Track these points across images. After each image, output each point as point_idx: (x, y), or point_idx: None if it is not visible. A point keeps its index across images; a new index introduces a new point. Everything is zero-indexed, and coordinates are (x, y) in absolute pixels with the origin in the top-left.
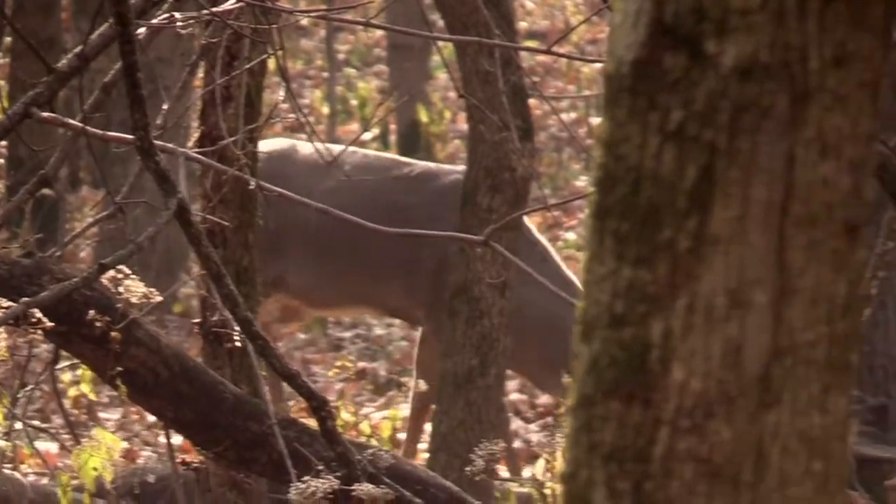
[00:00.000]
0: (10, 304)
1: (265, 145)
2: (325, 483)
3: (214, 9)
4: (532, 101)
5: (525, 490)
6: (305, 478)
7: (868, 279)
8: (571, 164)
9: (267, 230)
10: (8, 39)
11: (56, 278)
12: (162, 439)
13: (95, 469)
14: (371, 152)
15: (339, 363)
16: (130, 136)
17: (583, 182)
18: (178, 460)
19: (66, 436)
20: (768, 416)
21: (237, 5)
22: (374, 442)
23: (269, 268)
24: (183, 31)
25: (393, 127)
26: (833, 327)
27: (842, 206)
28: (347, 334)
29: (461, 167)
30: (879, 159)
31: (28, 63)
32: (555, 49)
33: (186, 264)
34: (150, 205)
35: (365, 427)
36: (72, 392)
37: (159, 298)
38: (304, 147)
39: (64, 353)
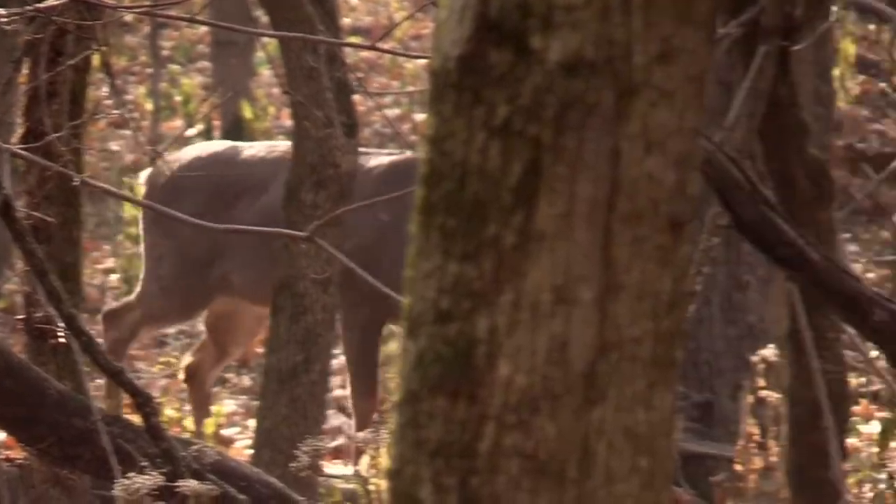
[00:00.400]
0: None
1: (204, 148)
2: (149, 479)
3: (39, 5)
4: (356, 98)
5: (350, 486)
6: (130, 474)
7: (692, 275)
8: None
9: (206, 232)
10: None
11: None
12: None
13: None
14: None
15: (162, 359)
16: None
17: None
18: (2, 457)
19: None
20: (594, 412)
21: (62, 1)
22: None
23: (212, 269)
24: (7, 27)
25: (217, 123)
26: (658, 323)
27: (667, 202)
28: (171, 330)
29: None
30: (704, 154)
31: None
32: (379, 45)
33: (11, 260)
34: None
35: (189, 423)
36: None
37: None
38: (245, 147)
39: None
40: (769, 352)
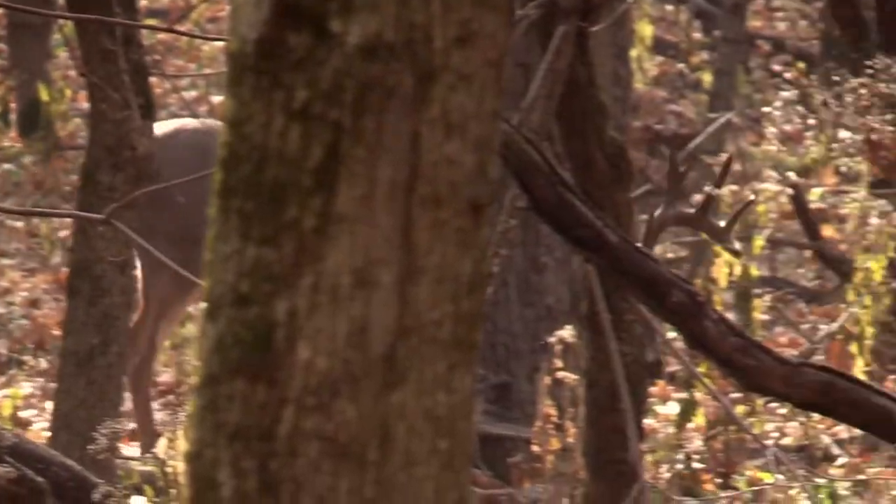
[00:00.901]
0: None
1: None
2: None
3: None
4: (153, 80)
5: (148, 469)
6: None
7: (490, 257)
8: None
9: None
10: None
11: None
12: None
13: None
14: None
15: None
16: None
17: None
18: None
19: None
20: (394, 395)
21: None
22: None
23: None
24: None
25: (14, 106)
26: (458, 306)
27: (467, 185)
28: None
29: None
30: (503, 137)
31: None
32: (176, 27)
33: None
34: None
35: None
36: None
37: None
38: (189, 127)
39: None
40: (566, 333)
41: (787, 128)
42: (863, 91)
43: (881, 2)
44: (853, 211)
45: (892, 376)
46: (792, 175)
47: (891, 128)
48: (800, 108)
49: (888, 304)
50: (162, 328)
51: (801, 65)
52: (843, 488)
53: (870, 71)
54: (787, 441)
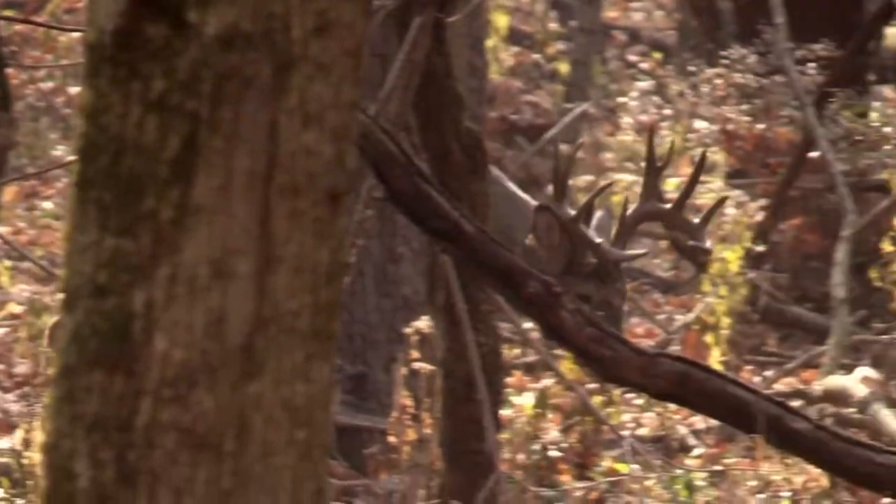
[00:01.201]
0: None
1: None
2: None
3: None
4: (10, 71)
5: (3, 460)
6: None
7: (348, 247)
8: (49, 134)
9: None
10: None
11: None
12: None
13: None
14: None
15: None
16: None
17: (61, 151)
18: None
19: None
20: (251, 385)
21: None
22: None
23: None
24: None
25: None
26: (316, 296)
27: (325, 175)
28: None
29: None
30: (360, 128)
31: None
32: (32, 18)
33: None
34: None
35: None
36: None
37: None
38: None
39: None
40: (423, 324)
41: (643, 118)
42: (718, 81)
43: None
44: (709, 201)
45: (749, 367)
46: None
47: (746, 118)
48: (656, 99)
49: (744, 294)
50: None
51: (657, 55)
52: (699, 479)
53: (725, 61)
54: (643, 431)
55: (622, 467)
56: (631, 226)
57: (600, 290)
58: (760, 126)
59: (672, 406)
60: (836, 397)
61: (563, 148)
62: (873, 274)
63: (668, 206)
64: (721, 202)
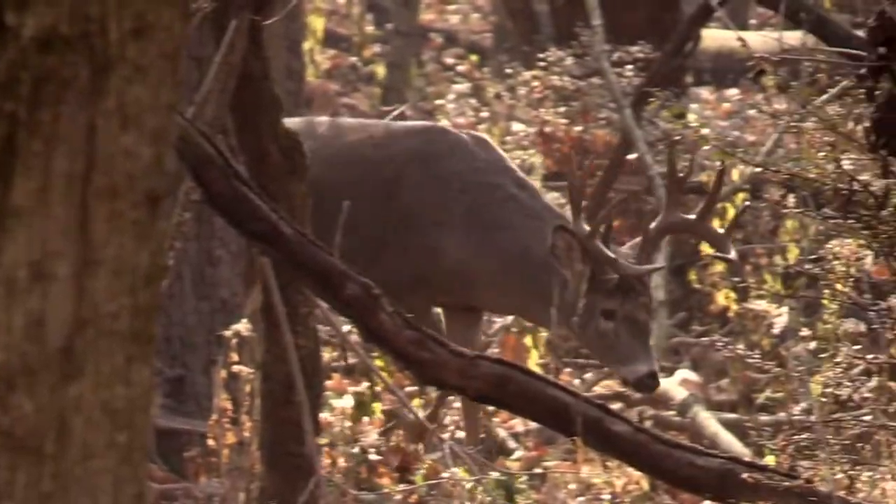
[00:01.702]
0: None
1: None
2: None
3: None
4: None
5: None
6: None
7: (167, 250)
8: None
9: None
10: None
11: None
12: None
13: None
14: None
15: None
16: None
17: None
18: None
19: None
20: (71, 388)
21: None
22: None
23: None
24: None
25: None
26: (136, 298)
27: (143, 177)
28: None
29: (434, 124)
30: (178, 130)
31: None
32: None
33: None
34: None
35: None
36: None
37: None
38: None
39: None
40: (242, 326)
41: (461, 120)
42: (535, 84)
43: None
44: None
45: (568, 369)
46: None
47: (564, 120)
48: (473, 101)
49: None
50: None
51: (474, 57)
52: (519, 481)
53: (542, 64)
54: (463, 434)
55: (442, 470)
56: (655, 238)
57: (624, 306)
58: (578, 128)
59: (492, 408)
60: (656, 400)
61: (579, 167)
62: (692, 276)
63: (693, 216)
64: (743, 211)
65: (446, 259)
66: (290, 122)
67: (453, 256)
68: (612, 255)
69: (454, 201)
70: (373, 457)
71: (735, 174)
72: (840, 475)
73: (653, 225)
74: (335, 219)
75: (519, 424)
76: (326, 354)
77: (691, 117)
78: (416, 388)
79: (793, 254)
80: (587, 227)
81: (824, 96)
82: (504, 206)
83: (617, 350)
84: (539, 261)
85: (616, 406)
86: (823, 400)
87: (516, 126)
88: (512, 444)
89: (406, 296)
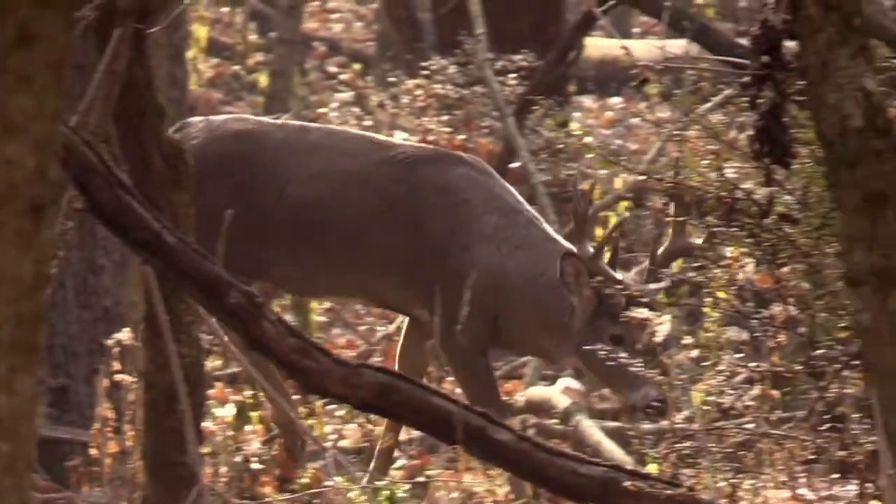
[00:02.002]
0: None
1: (223, 122)
2: None
3: None
4: None
5: None
6: None
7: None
8: None
9: (253, 217)
10: None
11: None
12: None
13: None
14: (337, 128)
15: None
16: None
17: None
18: None
19: None
20: None
21: None
22: None
23: (253, 256)
24: None
25: None
26: (19, 308)
27: (27, 187)
28: None
29: (444, 150)
30: (62, 139)
31: None
32: None
33: None
34: None
35: None
36: None
37: None
38: (273, 125)
39: None
40: (125, 335)
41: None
42: (419, 92)
43: (436, 4)
44: None
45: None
46: None
47: (447, 129)
48: (356, 110)
49: None
50: None
51: (357, 66)
52: (402, 490)
53: (425, 72)
54: (345, 443)
55: (325, 479)
56: (663, 263)
57: (631, 330)
58: (461, 137)
59: (375, 417)
60: (539, 408)
61: (582, 187)
62: None
63: (699, 242)
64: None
65: (483, 276)
66: (274, 123)
67: (485, 268)
68: (617, 275)
69: (480, 223)
70: (255, 465)
71: (618, 183)
72: (722, 483)
73: (661, 249)
74: (348, 245)
75: (402, 433)
76: (209, 363)
77: (574, 126)
78: (299, 396)
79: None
80: (591, 249)
81: (707, 105)
82: (527, 227)
83: (625, 375)
84: (554, 283)
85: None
86: (706, 408)
87: (399, 135)
88: (395, 452)
89: (469, 326)
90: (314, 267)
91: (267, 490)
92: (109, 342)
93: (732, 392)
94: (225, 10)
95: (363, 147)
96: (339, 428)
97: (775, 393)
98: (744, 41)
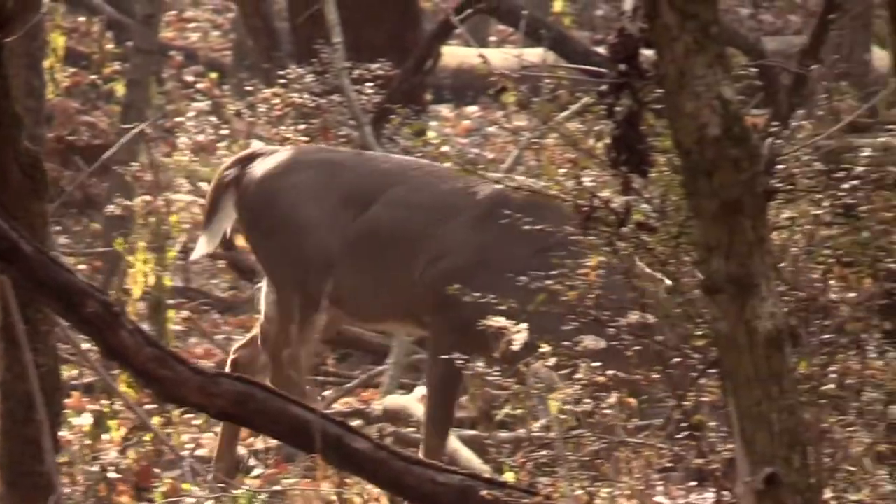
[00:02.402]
0: None
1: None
2: None
3: None
4: None
5: None
6: None
7: None
8: None
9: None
10: None
11: None
12: None
13: None
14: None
15: None
16: None
17: None
18: None
19: None
20: None
21: None
22: None
23: (320, 283)
24: None
25: None
26: None
27: None
28: None
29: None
30: None
31: None
32: None
33: None
34: None
35: None
36: None
37: None
38: (308, 152)
39: None
40: None
41: (201, 138)
42: (276, 101)
43: (293, 12)
44: None
45: (307, 386)
46: (205, 185)
47: (304, 138)
48: (212, 119)
49: None
50: (299, 347)
51: (214, 75)
52: (259, 499)
53: (282, 81)
54: (203, 452)
55: (183, 487)
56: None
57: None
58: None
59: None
60: (396, 417)
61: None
62: None
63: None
64: None
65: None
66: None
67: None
68: None
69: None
70: (112, 475)
71: None
72: (579, 491)
73: None
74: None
75: (259, 441)
76: (66, 372)
77: (431, 135)
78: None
79: None
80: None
81: (565, 113)
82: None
83: None
84: None
85: (356, 423)
86: (563, 416)
87: (256, 143)
88: (252, 461)
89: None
90: (368, 289)
91: (124, 499)
92: None
93: (589, 400)
94: (82, 18)
95: (435, 171)
96: (196, 437)
97: (632, 401)
98: (601, 50)
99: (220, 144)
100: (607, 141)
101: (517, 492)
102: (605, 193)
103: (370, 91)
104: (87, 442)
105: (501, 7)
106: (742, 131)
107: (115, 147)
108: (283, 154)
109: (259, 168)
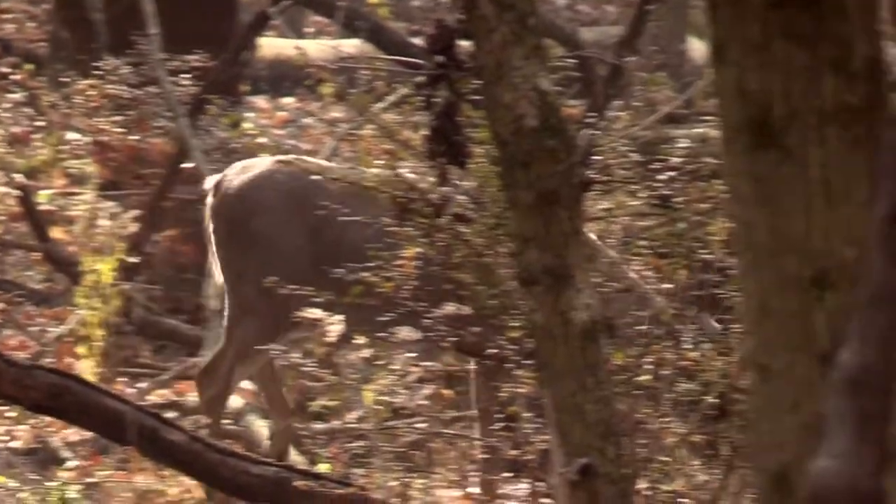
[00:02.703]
0: None
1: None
2: None
3: None
4: None
5: None
6: None
7: None
8: None
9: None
10: None
11: None
12: None
13: None
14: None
15: None
16: None
17: None
18: None
19: None
20: None
21: None
22: None
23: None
24: None
25: None
26: None
27: None
28: None
29: None
30: None
31: None
32: None
33: None
34: None
35: None
36: None
37: None
38: (280, 170)
39: None
40: None
41: (16, 129)
42: (92, 92)
43: (109, 4)
44: (82, 213)
45: (122, 378)
46: (20, 177)
47: (120, 130)
48: (28, 110)
49: (118, 305)
50: (239, 369)
51: (30, 66)
52: (73, 491)
53: (99, 72)
54: (17, 444)
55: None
56: None
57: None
58: (134, 137)
59: (47, 418)
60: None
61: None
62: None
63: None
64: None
65: None
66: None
67: None
68: None
69: None
70: None
71: None
72: (394, 482)
73: None
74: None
75: (74, 434)
76: None
77: (248, 126)
78: None
79: None
80: None
81: (382, 104)
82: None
83: None
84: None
85: (171, 415)
86: (378, 408)
87: (72, 135)
88: (66, 453)
89: None
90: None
91: None
92: None
93: (405, 392)
94: None
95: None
96: (10, 429)
97: (447, 392)
98: (418, 41)
99: (35, 136)
100: (424, 132)
101: (331, 483)
102: (423, 185)
103: (187, 82)
104: None
105: None
106: (559, 122)
107: None
108: (262, 166)
109: (237, 180)
